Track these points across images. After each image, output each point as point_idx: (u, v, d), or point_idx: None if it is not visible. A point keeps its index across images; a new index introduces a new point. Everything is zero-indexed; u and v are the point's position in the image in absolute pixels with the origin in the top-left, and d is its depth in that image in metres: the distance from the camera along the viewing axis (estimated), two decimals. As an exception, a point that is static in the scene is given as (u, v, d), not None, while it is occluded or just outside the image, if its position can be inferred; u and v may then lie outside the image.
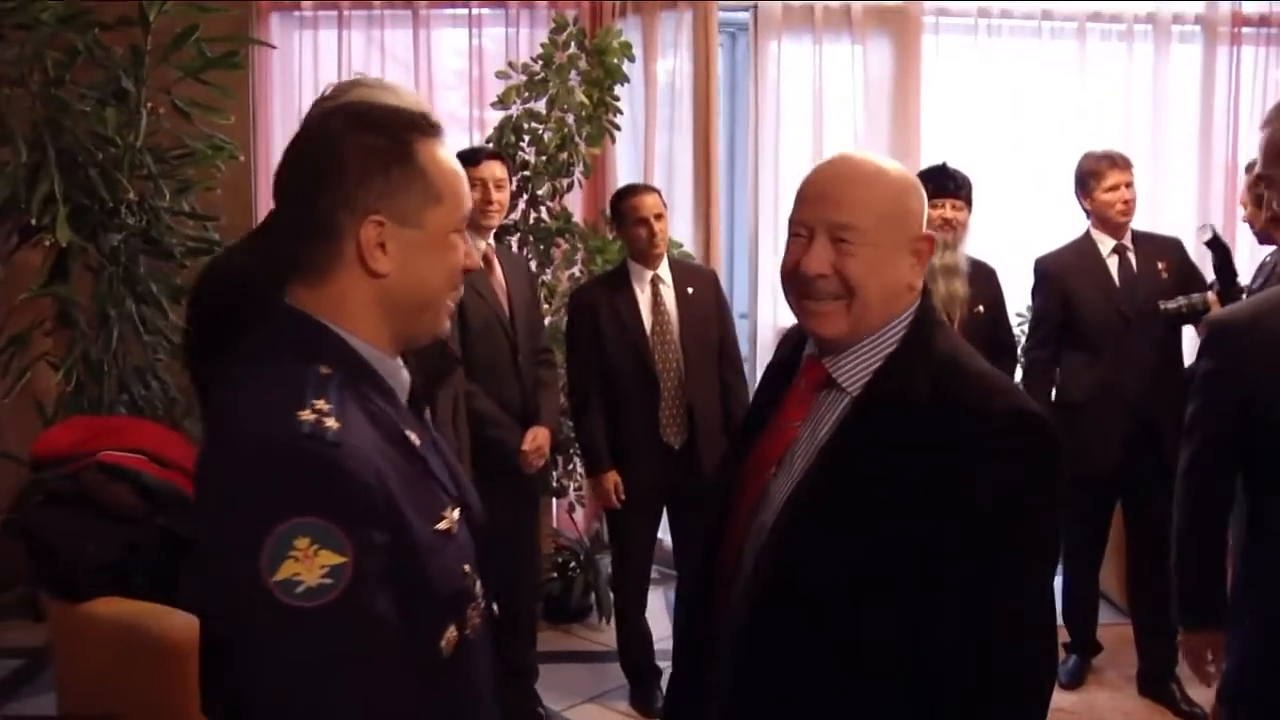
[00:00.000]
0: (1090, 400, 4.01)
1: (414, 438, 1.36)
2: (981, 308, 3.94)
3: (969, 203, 3.97)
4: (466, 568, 1.38)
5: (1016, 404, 1.55)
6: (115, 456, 3.36)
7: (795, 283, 1.63)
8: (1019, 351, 4.44)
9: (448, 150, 1.39)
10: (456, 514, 1.38)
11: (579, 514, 5.31)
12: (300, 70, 5.38)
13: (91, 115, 4.22)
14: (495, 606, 1.52)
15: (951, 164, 4.08)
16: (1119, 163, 4.03)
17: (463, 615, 1.37)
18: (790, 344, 1.83)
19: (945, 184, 3.91)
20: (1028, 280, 4.84)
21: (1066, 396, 4.10)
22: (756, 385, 1.93)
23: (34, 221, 4.11)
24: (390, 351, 1.38)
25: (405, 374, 1.41)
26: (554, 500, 5.29)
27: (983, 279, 4.00)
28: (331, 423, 1.22)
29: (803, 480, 1.59)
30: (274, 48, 5.17)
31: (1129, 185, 4.03)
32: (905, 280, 1.63)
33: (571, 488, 5.10)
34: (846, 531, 1.53)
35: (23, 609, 4.58)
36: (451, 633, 1.34)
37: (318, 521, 1.17)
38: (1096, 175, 4.04)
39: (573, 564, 4.96)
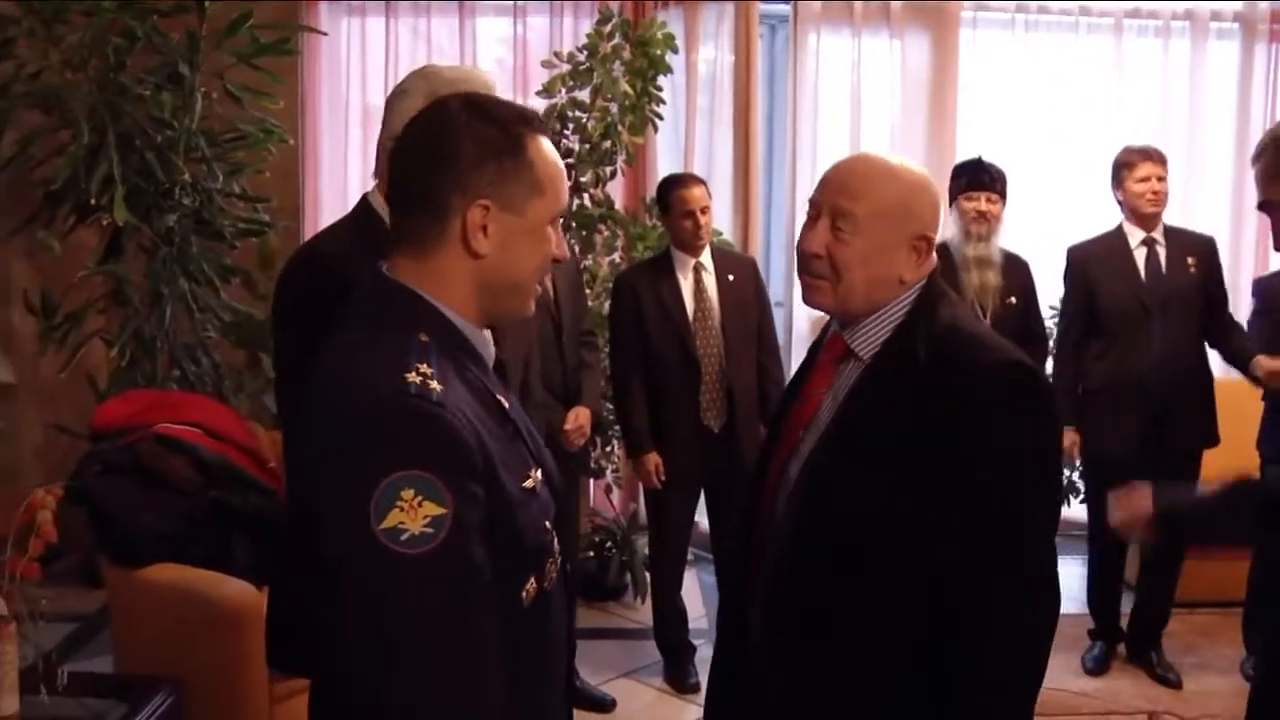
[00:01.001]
0: (1105, 387, 4.10)
1: (504, 401, 1.47)
2: (1014, 299, 4.03)
3: (1003, 196, 4.05)
4: (547, 524, 1.48)
5: (1005, 357, 1.72)
6: (172, 429, 3.47)
7: (799, 257, 1.82)
8: (1055, 339, 4.50)
9: (552, 148, 1.49)
10: (539, 474, 1.48)
11: (616, 495, 5.40)
12: (348, 57, 5.49)
13: (149, 99, 4.33)
14: (568, 566, 1.62)
15: (988, 158, 4.17)
16: (1153, 156, 4.10)
17: (542, 569, 1.47)
18: (823, 331, 1.99)
19: (980, 177, 4.00)
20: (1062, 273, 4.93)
21: (1086, 382, 4.18)
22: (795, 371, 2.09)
23: (93, 201, 4.24)
24: (477, 324, 1.48)
25: (491, 346, 1.52)
26: (591, 481, 5.40)
27: (1015, 271, 4.09)
28: (435, 385, 1.32)
29: (823, 436, 1.76)
30: (324, 34, 5.27)
31: (1161, 179, 4.09)
32: (897, 273, 1.77)
33: (609, 469, 5.19)
34: (862, 477, 1.70)
35: (78, 575, 4.71)
36: (531, 585, 1.44)
37: (423, 475, 1.27)
38: (1129, 166, 4.11)
39: (609, 543, 5.06)
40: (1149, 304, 4.06)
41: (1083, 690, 4.11)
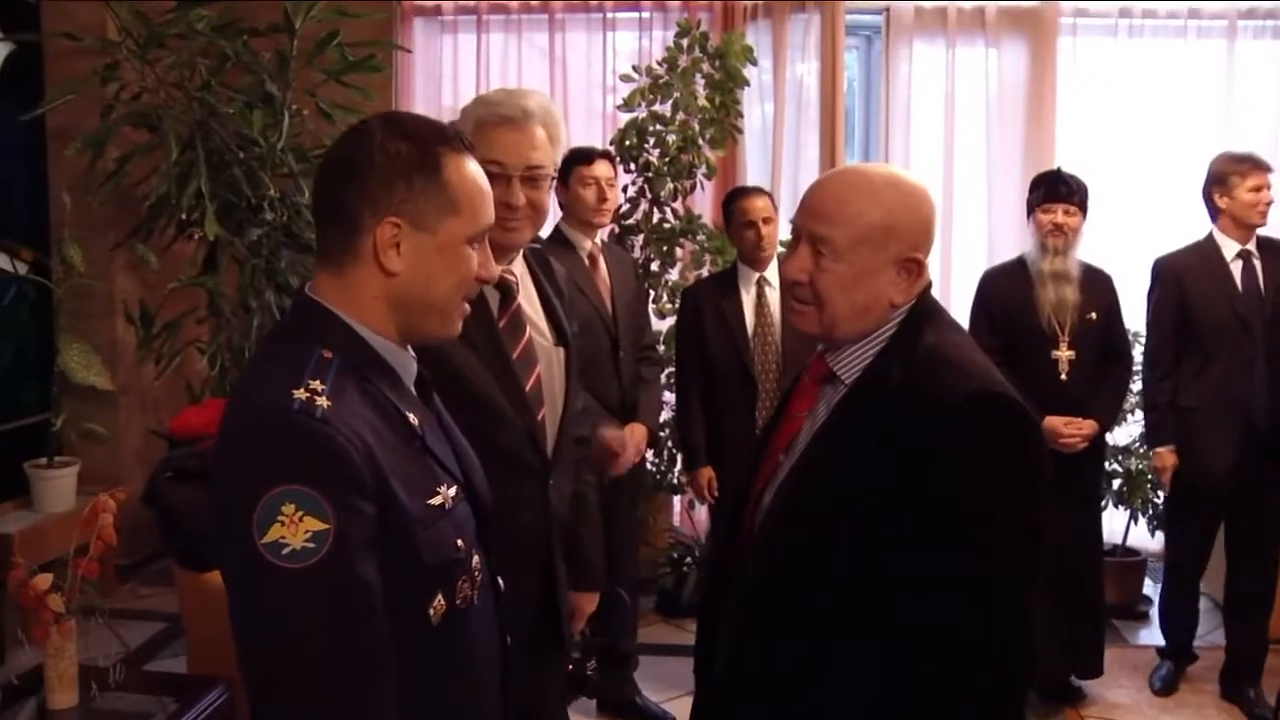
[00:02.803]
0: (1204, 406, 3.93)
1: (413, 419, 1.46)
2: (1094, 315, 3.86)
3: (1083, 208, 3.90)
4: (460, 542, 1.47)
5: (981, 386, 1.59)
6: (242, 437, 3.57)
7: (781, 282, 1.77)
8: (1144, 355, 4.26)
9: (476, 167, 1.49)
10: (454, 491, 1.48)
11: (700, 512, 5.38)
12: (441, 72, 5.61)
13: (238, 117, 4.48)
14: (500, 582, 1.62)
15: (1088, 170, 4.04)
16: (1262, 165, 3.94)
17: (452, 586, 1.46)
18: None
19: (1058, 189, 3.86)
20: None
21: (1182, 400, 4.01)
22: None
23: (184, 217, 4.41)
24: (397, 342, 1.49)
25: (413, 363, 1.52)
26: (674, 498, 5.39)
27: (1096, 285, 3.92)
28: (322, 401, 1.33)
29: (797, 463, 1.70)
30: (409, 51, 5.40)
31: (1268, 188, 3.92)
32: (885, 296, 1.68)
33: (690, 484, 5.17)
34: (832, 509, 1.62)
35: (170, 576, 4.89)
36: (439, 602, 1.43)
37: (304, 490, 1.29)
38: (1240, 174, 3.93)
39: (687, 560, 5.03)
40: (1247, 317, 3.88)
41: (1164, 725, 3.93)
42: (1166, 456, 4.00)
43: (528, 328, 2.22)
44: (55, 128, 5.06)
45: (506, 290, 2.19)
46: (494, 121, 2.11)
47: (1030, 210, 3.95)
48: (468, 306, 1.52)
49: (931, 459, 1.54)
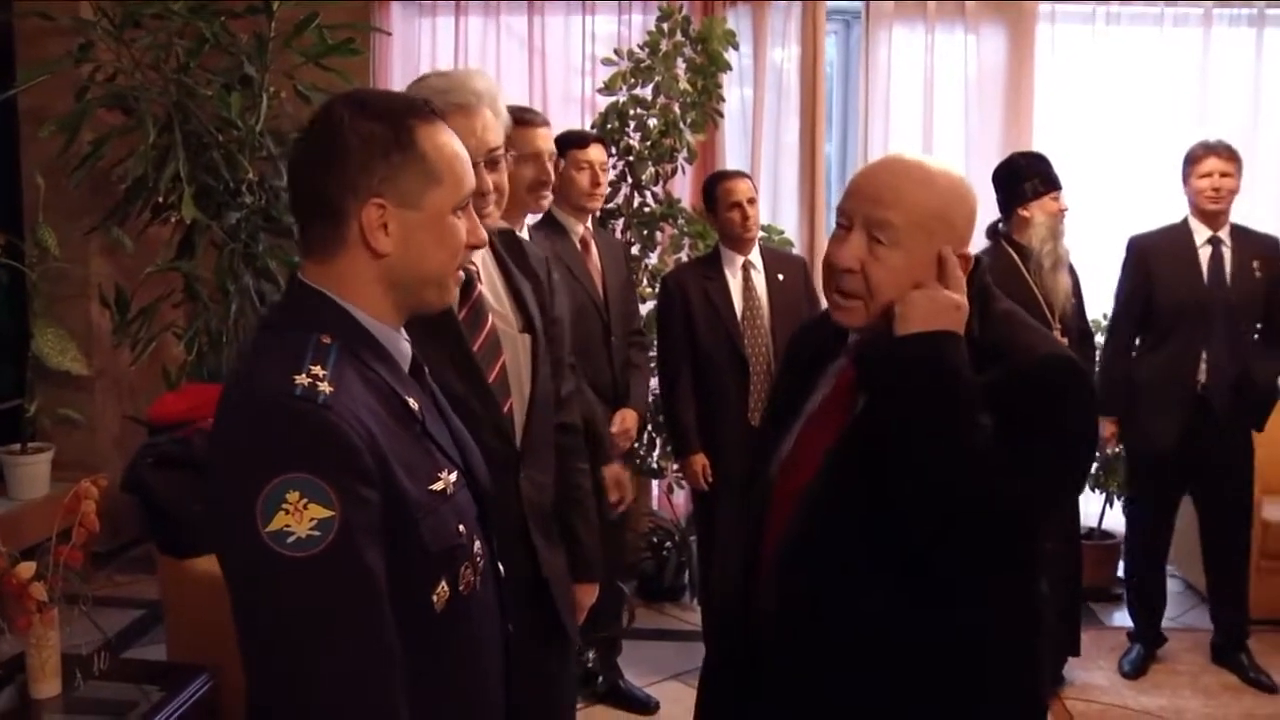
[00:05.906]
0: (1154, 382, 4.05)
1: (413, 403, 1.45)
2: (1073, 299, 3.90)
3: None
4: (461, 528, 1.46)
5: (1059, 350, 1.66)
6: (225, 423, 3.54)
7: (828, 272, 1.67)
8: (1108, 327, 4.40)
9: (449, 134, 1.46)
10: (454, 477, 1.47)
11: (679, 495, 5.38)
12: (419, 55, 5.57)
13: (216, 99, 4.43)
14: (501, 568, 1.61)
15: (1064, 156, 4.11)
16: (1220, 152, 4.00)
17: (455, 572, 1.44)
18: (811, 337, 1.88)
19: (1054, 176, 3.85)
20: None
21: (1135, 375, 4.15)
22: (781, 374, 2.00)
23: (161, 200, 4.36)
24: (394, 323, 1.47)
25: (406, 345, 1.51)
26: (654, 481, 5.38)
27: (1071, 269, 3.95)
28: (324, 386, 1.31)
29: (858, 420, 1.65)
30: (388, 34, 5.36)
31: (1225, 175, 3.99)
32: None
33: (670, 469, 5.17)
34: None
35: (148, 563, 4.85)
36: (443, 588, 1.42)
37: (307, 477, 1.27)
38: (1193, 160, 4.04)
39: (667, 544, 5.04)
40: (1207, 303, 3.98)
41: (1144, 708, 3.96)
42: (1107, 426, 4.18)
43: (490, 317, 2.18)
44: (27, 109, 5.00)
45: (467, 280, 2.13)
46: (448, 111, 2.07)
47: (1027, 197, 3.81)
48: (462, 274, 1.51)
49: (1008, 411, 1.53)
